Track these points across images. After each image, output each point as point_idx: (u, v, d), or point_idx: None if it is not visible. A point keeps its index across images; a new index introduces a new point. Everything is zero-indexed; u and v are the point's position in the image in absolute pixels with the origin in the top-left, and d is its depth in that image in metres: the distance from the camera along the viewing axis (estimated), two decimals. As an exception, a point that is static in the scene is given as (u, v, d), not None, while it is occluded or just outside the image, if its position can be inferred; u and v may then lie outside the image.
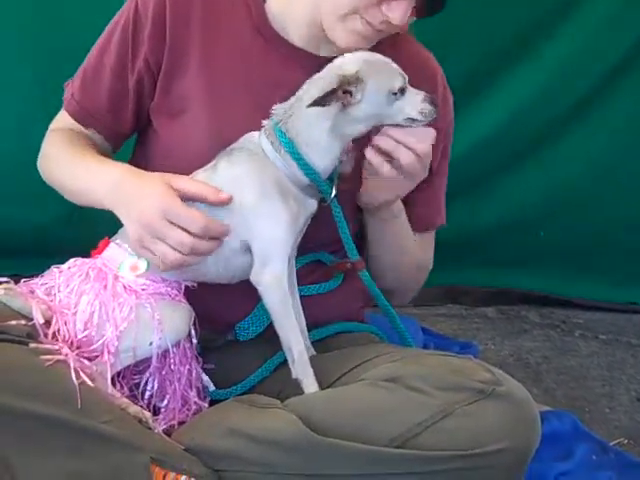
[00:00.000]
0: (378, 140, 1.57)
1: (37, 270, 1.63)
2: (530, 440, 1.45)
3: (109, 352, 1.49)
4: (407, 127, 1.56)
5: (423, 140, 1.58)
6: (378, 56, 1.57)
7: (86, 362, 1.46)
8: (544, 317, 3.38)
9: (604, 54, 3.12)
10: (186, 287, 1.61)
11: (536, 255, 3.33)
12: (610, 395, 2.72)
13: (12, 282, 1.58)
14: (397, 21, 1.61)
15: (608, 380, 2.84)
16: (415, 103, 1.55)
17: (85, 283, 1.54)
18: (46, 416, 1.34)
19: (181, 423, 1.57)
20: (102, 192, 1.62)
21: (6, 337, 1.42)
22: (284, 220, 1.55)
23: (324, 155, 1.56)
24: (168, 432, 1.51)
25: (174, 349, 1.57)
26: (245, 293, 1.60)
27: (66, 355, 1.43)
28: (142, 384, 1.59)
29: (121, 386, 1.56)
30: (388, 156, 1.58)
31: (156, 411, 1.59)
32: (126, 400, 1.51)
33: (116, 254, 1.58)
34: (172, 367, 1.59)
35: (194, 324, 1.60)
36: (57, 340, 1.47)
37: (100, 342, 1.50)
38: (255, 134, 1.60)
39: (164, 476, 1.39)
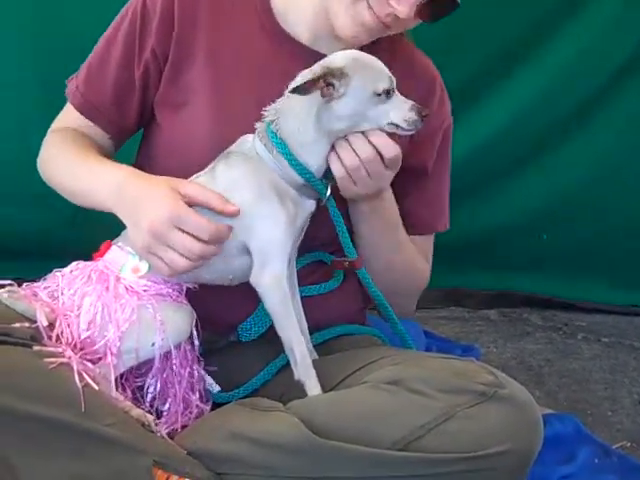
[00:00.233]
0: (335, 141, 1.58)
1: (40, 273, 1.63)
2: (532, 443, 1.45)
3: (112, 353, 1.50)
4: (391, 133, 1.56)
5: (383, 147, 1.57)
6: (369, 57, 1.58)
7: (89, 365, 1.46)
8: (546, 320, 3.38)
9: (605, 57, 3.13)
10: (187, 289, 1.61)
11: (538, 258, 3.33)
12: (612, 398, 2.72)
13: (15, 285, 1.58)
14: (403, 14, 1.61)
15: (610, 383, 2.84)
16: (401, 110, 1.55)
17: (87, 285, 1.54)
18: (49, 419, 1.34)
19: (184, 427, 1.57)
20: (105, 193, 1.61)
21: (10, 340, 1.42)
22: (282, 221, 1.55)
23: (314, 153, 1.57)
24: (171, 436, 1.51)
25: (175, 351, 1.57)
26: (246, 294, 1.60)
27: (69, 358, 1.43)
28: (145, 387, 1.59)
29: (124, 389, 1.56)
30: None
31: (159, 414, 1.59)
32: (129, 403, 1.51)
33: (118, 256, 1.58)
34: (174, 369, 1.59)
35: (196, 326, 1.60)
36: (60, 343, 1.48)
37: (102, 343, 1.50)
38: (250, 136, 1.61)
39: (167, 479, 1.39)
